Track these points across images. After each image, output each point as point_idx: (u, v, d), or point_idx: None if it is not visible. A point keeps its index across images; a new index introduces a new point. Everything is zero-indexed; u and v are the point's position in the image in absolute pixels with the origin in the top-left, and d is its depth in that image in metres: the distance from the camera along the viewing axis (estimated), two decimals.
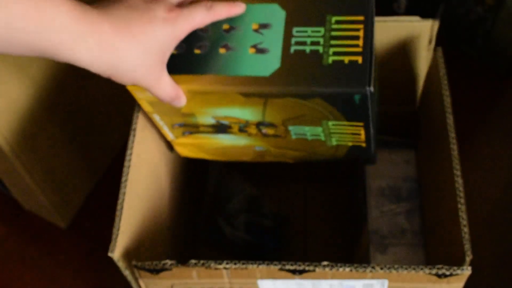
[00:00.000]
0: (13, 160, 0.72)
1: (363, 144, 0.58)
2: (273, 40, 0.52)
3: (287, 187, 0.86)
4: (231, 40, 0.53)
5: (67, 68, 0.75)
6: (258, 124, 0.57)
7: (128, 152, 0.57)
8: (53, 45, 0.43)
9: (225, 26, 0.54)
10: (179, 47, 0.53)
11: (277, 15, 0.53)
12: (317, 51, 0.51)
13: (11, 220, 0.90)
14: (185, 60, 0.52)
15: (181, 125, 0.59)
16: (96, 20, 0.45)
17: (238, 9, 0.53)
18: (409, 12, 0.99)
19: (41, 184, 0.78)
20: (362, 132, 0.56)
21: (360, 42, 0.50)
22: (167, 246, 0.67)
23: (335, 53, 0.50)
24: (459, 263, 0.51)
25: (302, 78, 0.50)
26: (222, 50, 0.53)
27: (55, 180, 0.81)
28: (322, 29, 0.52)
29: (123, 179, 0.55)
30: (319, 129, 0.56)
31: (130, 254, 0.53)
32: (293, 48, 0.51)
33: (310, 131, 0.57)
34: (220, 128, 0.58)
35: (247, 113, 0.55)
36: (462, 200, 0.54)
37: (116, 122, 0.86)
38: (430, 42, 0.65)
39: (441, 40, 0.98)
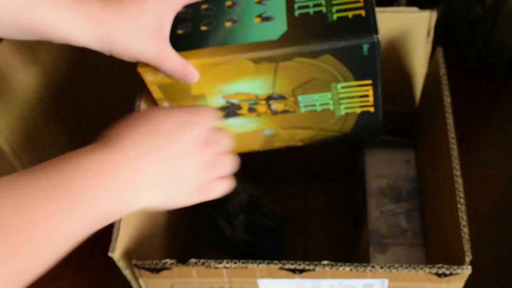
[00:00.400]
0: (13, 160, 0.72)
1: (372, 109, 0.59)
2: (276, 8, 0.54)
3: (287, 187, 0.86)
4: (235, 14, 0.54)
5: (67, 68, 0.75)
6: (268, 99, 0.58)
7: None
8: (49, 26, 0.46)
9: (228, 3, 0.55)
10: (185, 27, 0.54)
11: None
12: (321, 11, 0.53)
13: None
14: (193, 37, 0.53)
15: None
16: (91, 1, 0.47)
17: None
18: None
19: None
20: (371, 93, 0.57)
21: None
22: (167, 246, 0.67)
23: (338, 11, 0.52)
24: (459, 263, 0.51)
25: (310, 37, 0.52)
26: (228, 24, 0.54)
27: None
28: None
29: None
30: (328, 95, 0.57)
31: (130, 254, 0.53)
32: (297, 12, 0.53)
33: (319, 100, 0.58)
34: (230, 110, 0.59)
35: (257, 86, 0.56)
36: (462, 200, 0.54)
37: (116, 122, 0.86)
38: (428, 34, 0.64)
39: (441, 40, 0.98)
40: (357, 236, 0.75)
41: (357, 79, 0.55)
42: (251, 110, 0.59)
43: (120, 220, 0.53)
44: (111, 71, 0.74)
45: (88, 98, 0.81)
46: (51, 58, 0.72)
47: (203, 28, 0.54)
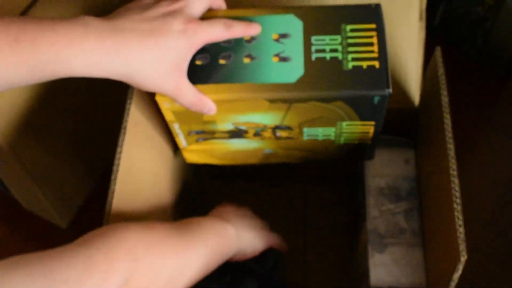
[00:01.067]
0: (13, 160, 0.72)
1: (369, 142, 0.62)
2: (294, 48, 0.55)
3: (287, 187, 0.86)
4: (254, 50, 0.55)
5: None
6: (275, 128, 0.60)
7: (118, 150, 0.57)
8: (63, 66, 0.48)
9: (247, 37, 0.56)
10: (203, 58, 0.55)
11: (294, 25, 0.56)
12: (337, 57, 0.55)
13: (11, 220, 0.90)
14: (211, 70, 0.54)
15: (199, 132, 0.61)
16: (107, 35, 0.48)
17: (254, 30, 0.55)
18: None
19: (41, 184, 0.78)
20: (372, 130, 0.60)
21: (375, 48, 0.55)
22: None
23: (353, 59, 0.54)
24: (454, 264, 0.51)
25: (326, 83, 0.54)
26: (246, 60, 0.55)
27: (55, 180, 0.81)
28: (338, 37, 0.55)
29: (113, 176, 0.55)
30: (332, 130, 0.60)
31: None
32: (314, 56, 0.55)
33: (322, 132, 0.60)
34: (236, 133, 0.61)
35: (267, 118, 0.58)
36: (458, 200, 0.54)
37: (116, 121, 0.86)
38: (420, 17, 0.63)
39: (441, 40, 0.98)
40: (356, 235, 0.75)
41: (362, 119, 0.58)
42: (257, 135, 0.61)
43: (108, 218, 0.54)
44: None
45: (88, 97, 0.81)
46: None
47: (222, 61, 0.55)
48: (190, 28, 0.51)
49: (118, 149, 0.57)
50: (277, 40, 0.56)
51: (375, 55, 0.54)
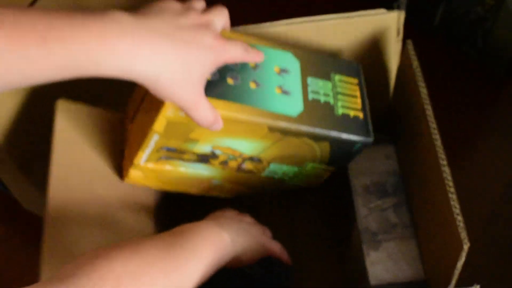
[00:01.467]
0: (13, 160, 0.72)
1: (314, 186, 0.69)
2: (294, 85, 0.59)
3: (271, 197, 0.83)
4: (258, 77, 0.58)
5: None
6: (248, 159, 0.63)
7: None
8: (93, 67, 0.46)
9: (251, 64, 0.59)
10: (212, 74, 0.56)
11: (293, 63, 0.60)
12: (329, 102, 0.60)
13: (11, 220, 0.90)
14: (220, 87, 0.56)
15: (170, 149, 0.61)
16: (143, 37, 0.47)
17: (262, 58, 0.57)
18: (409, 12, 0.99)
19: (41, 184, 0.78)
20: (327, 175, 0.66)
21: (358, 100, 0.61)
22: None
23: (342, 106, 0.60)
24: (457, 252, 0.51)
25: (322, 123, 0.59)
26: (252, 85, 0.57)
27: None
28: (329, 84, 0.61)
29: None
30: (295, 169, 0.65)
31: None
32: (310, 96, 0.59)
33: (285, 171, 0.65)
34: (205, 158, 0.62)
35: (250, 147, 0.60)
36: (452, 189, 0.54)
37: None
38: (398, 33, 0.65)
39: (441, 40, 0.98)
40: (346, 236, 0.75)
41: (329, 164, 0.64)
42: (223, 163, 0.63)
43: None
44: None
45: (88, 97, 0.81)
46: None
47: (229, 80, 0.57)
48: (219, 45, 0.51)
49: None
50: (279, 73, 0.59)
51: (359, 106, 0.61)
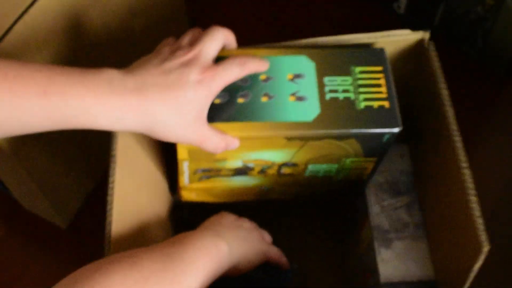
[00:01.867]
0: (13, 160, 0.72)
1: (365, 177, 0.66)
2: (309, 88, 0.58)
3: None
4: (270, 89, 0.58)
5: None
6: (282, 165, 0.63)
7: (110, 179, 0.56)
8: (80, 119, 0.50)
9: (262, 77, 0.58)
10: (222, 97, 0.57)
11: (307, 66, 0.59)
12: (349, 97, 0.58)
13: (11, 220, 0.90)
14: (230, 109, 0.56)
15: (205, 170, 0.63)
16: (131, 91, 0.50)
17: (266, 65, 0.57)
18: (409, 12, 0.99)
19: (41, 184, 0.78)
20: (371, 166, 0.63)
21: (384, 89, 0.59)
22: None
23: (365, 99, 0.58)
24: (474, 254, 0.51)
25: (341, 122, 0.57)
26: (264, 99, 0.57)
27: (55, 180, 0.81)
28: (349, 78, 0.59)
29: (108, 207, 0.55)
30: (334, 166, 0.63)
31: None
32: (328, 96, 0.58)
33: (325, 168, 0.64)
34: (242, 171, 0.63)
35: (279, 155, 0.61)
36: (473, 192, 0.54)
37: None
38: (422, 51, 0.65)
39: (441, 40, 0.98)
40: (352, 232, 0.75)
41: (366, 156, 0.61)
42: (261, 172, 0.64)
43: (109, 240, 0.53)
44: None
45: None
46: (52, 56, 0.72)
47: (240, 100, 0.57)
48: (207, 76, 0.52)
49: (110, 179, 0.56)
50: (292, 80, 0.58)
51: (384, 95, 0.58)
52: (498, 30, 0.89)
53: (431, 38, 0.64)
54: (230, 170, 0.63)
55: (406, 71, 0.67)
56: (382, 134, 0.58)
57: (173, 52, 0.52)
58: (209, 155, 0.59)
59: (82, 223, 0.88)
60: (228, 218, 0.64)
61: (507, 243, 0.82)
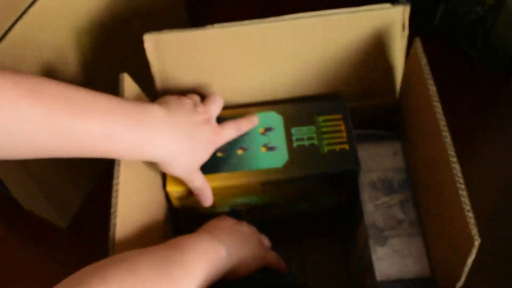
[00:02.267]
0: (13, 160, 0.72)
1: (343, 207, 0.72)
2: (278, 139, 0.67)
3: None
4: (245, 143, 0.67)
5: (67, 69, 0.75)
6: (265, 206, 0.70)
7: (115, 181, 0.57)
8: (100, 150, 0.54)
9: None
10: None
11: (276, 120, 0.68)
12: (314, 144, 0.67)
13: (11, 220, 0.90)
14: (211, 162, 0.65)
15: (198, 213, 0.70)
16: (168, 127, 0.58)
17: (255, 122, 0.68)
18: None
19: (41, 184, 0.78)
20: (345, 196, 0.70)
21: (344, 134, 0.67)
22: None
23: (328, 144, 0.66)
24: (467, 249, 0.51)
25: (308, 166, 0.65)
26: (239, 151, 0.67)
27: (55, 180, 0.81)
28: (313, 127, 0.68)
29: (112, 209, 0.55)
30: (312, 202, 0.72)
31: None
32: (295, 144, 0.67)
33: (305, 205, 0.72)
34: (231, 213, 0.70)
35: (260, 199, 0.68)
36: (463, 186, 0.54)
37: None
38: (403, 28, 0.65)
39: (441, 40, 0.98)
40: (351, 231, 0.75)
41: (337, 192, 0.70)
42: (249, 211, 0.71)
43: (113, 242, 0.53)
44: (112, 71, 0.74)
45: None
46: (53, 59, 0.72)
47: (219, 154, 0.66)
48: (216, 137, 0.64)
49: (115, 181, 0.57)
50: (263, 133, 0.68)
51: (345, 139, 0.66)
52: (498, 30, 0.89)
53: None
54: (221, 213, 0.70)
55: (391, 52, 0.68)
56: (343, 173, 0.65)
57: (194, 107, 0.62)
58: (199, 206, 0.67)
59: (82, 223, 0.88)
60: (227, 222, 0.64)
61: (507, 243, 0.82)
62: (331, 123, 0.68)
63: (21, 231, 0.89)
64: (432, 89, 0.60)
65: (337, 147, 0.66)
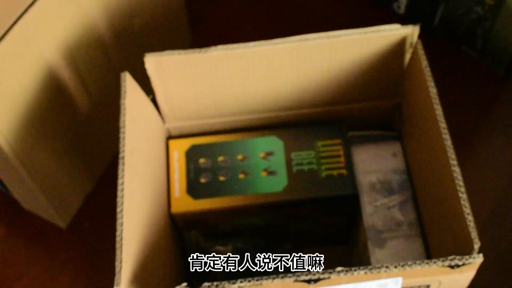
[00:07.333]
0: (13, 160, 0.72)
1: (344, 228, 0.75)
2: (278, 163, 0.69)
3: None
4: (246, 167, 0.69)
5: (67, 69, 0.75)
6: (266, 227, 0.72)
7: (120, 181, 0.56)
8: None
9: (240, 157, 0.70)
10: (206, 176, 0.69)
11: (277, 145, 0.70)
12: (313, 168, 0.68)
13: (11, 220, 0.90)
14: (214, 186, 0.68)
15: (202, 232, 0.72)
16: None
17: None
18: (409, 12, 0.99)
19: (41, 184, 0.78)
20: (345, 219, 0.72)
21: (342, 159, 0.69)
22: (175, 271, 0.67)
23: (326, 169, 0.68)
24: (467, 251, 0.51)
25: (306, 190, 0.67)
26: (241, 176, 0.68)
27: (55, 180, 0.81)
28: (313, 152, 0.69)
29: (119, 209, 0.55)
30: (312, 223, 0.73)
31: (137, 284, 0.53)
32: (295, 168, 0.68)
33: (305, 226, 0.74)
34: (233, 232, 0.72)
35: (261, 220, 0.71)
36: (463, 189, 0.54)
37: (116, 120, 0.86)
38: (411, 46, 0.65)
39: (441, 40, 0.98)
40: (351, 234, 0.75)
41: (335, 216, 0.71)
42: (252, 231, 0.73)
43: (121, 252, 0.53)
44: (112, 71, 0.74)
45: (88, 97, 0.81)
46: (53, 59, 0.72)
47: (221, 178, 0.68)
48: None
49: (120, 180, 0.57)
50: (264, 158, 0.69)
51: (343, 164, 0.68)
52: (498, 30, 0.89)
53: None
54: (223, 231, 0.72)
55: (397, 67, 0.68)
56: (340, 197, 0.67)
57: None
58: (203, 224, 0.70)
59: (82, 223, 0.88)
60: None
61: (507, 242, 0.82)
62: (330, 147, 0.69)
63: (21, 231, 0.89)
64: (433, 91, 0.60)
65: (335, 172, 0.68)
